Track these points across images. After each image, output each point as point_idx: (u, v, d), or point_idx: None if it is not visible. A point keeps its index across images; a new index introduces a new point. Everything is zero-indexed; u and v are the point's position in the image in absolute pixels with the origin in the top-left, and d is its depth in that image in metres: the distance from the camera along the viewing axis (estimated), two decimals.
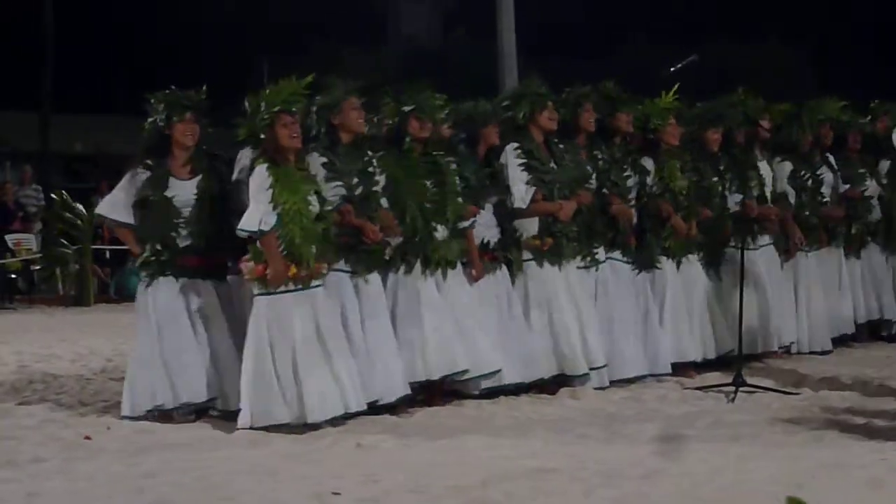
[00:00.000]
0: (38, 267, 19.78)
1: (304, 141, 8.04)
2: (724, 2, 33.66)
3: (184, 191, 8.17)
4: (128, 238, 8.35)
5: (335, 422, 7.74)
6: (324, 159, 8.11)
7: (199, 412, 8.17)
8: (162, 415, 8.08)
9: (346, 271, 8.15)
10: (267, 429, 7.56)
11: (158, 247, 8.11)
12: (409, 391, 8.24)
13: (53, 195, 19.76)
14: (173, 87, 8.32)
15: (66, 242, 19.19)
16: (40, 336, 13.75)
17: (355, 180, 8.16)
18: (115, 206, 8.27)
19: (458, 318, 8.54)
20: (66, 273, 19.58)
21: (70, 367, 11.10)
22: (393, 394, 8.17)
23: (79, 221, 18.75)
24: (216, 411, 8.21)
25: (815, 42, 33.46)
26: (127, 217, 8.22)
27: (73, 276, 19.42)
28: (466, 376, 8.56)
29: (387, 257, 8.30)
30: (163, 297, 8.13)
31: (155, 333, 8.11)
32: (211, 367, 8.12)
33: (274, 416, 7.61)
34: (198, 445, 7.32)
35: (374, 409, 8.09)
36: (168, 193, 8.13)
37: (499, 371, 8.67)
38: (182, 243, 8.14)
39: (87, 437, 7.60)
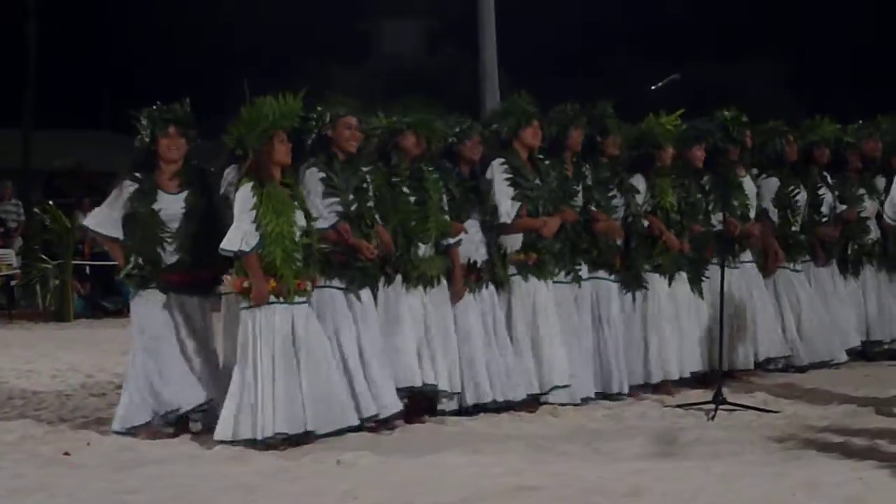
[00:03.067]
0: (17, 282, 19.72)
1: (300, 154, 8.08)
2: (705, 22, 33.79)
3: (172, 204, 8.18)
4: (115, 252, 8.36)
5: (312, 436, 7.78)
6: (322, 174, 8.14)
7: (177, 427, 8.16)
8: (142, 427, 8.08)
9: (340, 288, 8.16)
10: (245, 444, 7.55)
11: (141, 260, 8.11)
12: (401, 406, 8.25)
13: (36, 209, 19.74)
14: (158, 102, 8.34)
15: (45, 258, 19.17)
16: (20, 351, 13.71)
17: (351, 197, 8.18)
18: (103, 219, 8.25)
19: (431, 335, 8.57)
20: (47, 288, 19.53)
21: (50, 382, 11.07)
22: (387, 409, 8.18)
23: (61, 235, 18.72)
24: (197, 424, 8.22)
25: (794, 62, 33.62)
26: (114, 231, 8.21)
27: (53, 292, 19.36)
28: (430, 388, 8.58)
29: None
30: (148, 310, 8.13)
31: (142, 347, 8.11)
32: (194, 381, 8.10)
33: (238, 431, 7.60)
34: (178, 462, 7.31)
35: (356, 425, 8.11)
36: (155, 206, 8.15)
37: (458, 394, 8.70)
38: (169, 258, 8.15)
39: (67, 454, 7.59)
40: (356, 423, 7.91)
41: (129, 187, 8.19)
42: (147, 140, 8.21)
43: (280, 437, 7.59)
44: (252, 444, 7.56)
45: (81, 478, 6.86)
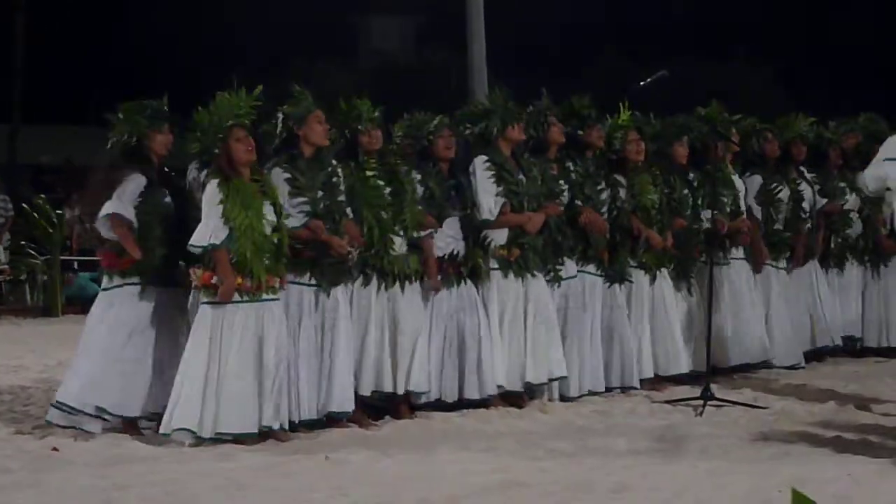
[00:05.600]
0: (5, 277, 19.68)
1: (265, 153, 8.06)
2: (693, 21, 33.84)
3: (169, 199, 8.19)
4: (130, 241, 8.10)
5: (304, 433, 7.79)
6: (287, 175, 8.13)
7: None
8: (127, 424, 8.08)
9: (311, 285, 8.17)
10: (234, 441, 7.57)
11: (156, 255, 8.09)
12: (352, 408, 8.23)
13: (24, 205, 19.71)
14: (141, 98, 8.33)
15: (34, 253, 19.15)
16: (8, 347, 13.66)
17: (319, 194, 8.18)
18: (123, 207, 8.15)
19: (405, 335, 8.59)
20: (35, 284, 19.51)
21: (38, 378, 11.05)
22: (342, 407, 8.17)
23: (50, 230, 18.71)
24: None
25: (781, 62, 33.69)
26: (134, 220, 8.18)
27: (41, 287, 19.35)
28: (400, 391, 8.60)
29: (350, 264, 8.32)
30: (135, 305, 8.12)
31: (124, 340, 8.09)
32: (165, 382, 8.08)
33: (184, 423, 7.59)
34: (167, 458, 7.30)
35: (339, 421, 8.15)
36: (167, 200, 8.16)
37: (426, 392, 8.73)
38: (167, 252, 8.15)
39: (55, 449, 7.58)
40: (285, 426, 7.84)
41: (140, 179, 8.17)
42: (141, 134, 8.18)
43: (227, 436, 7.58)
44: (201, 441, 7.57)
45: (69, 474, 6.86)
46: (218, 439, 7.56)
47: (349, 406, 8.20)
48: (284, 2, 32.39)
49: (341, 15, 35.58)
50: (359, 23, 38.09)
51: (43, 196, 19.92)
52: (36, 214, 19.15)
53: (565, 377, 9.25)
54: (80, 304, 19.71)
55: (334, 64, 32.85)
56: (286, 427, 7.83)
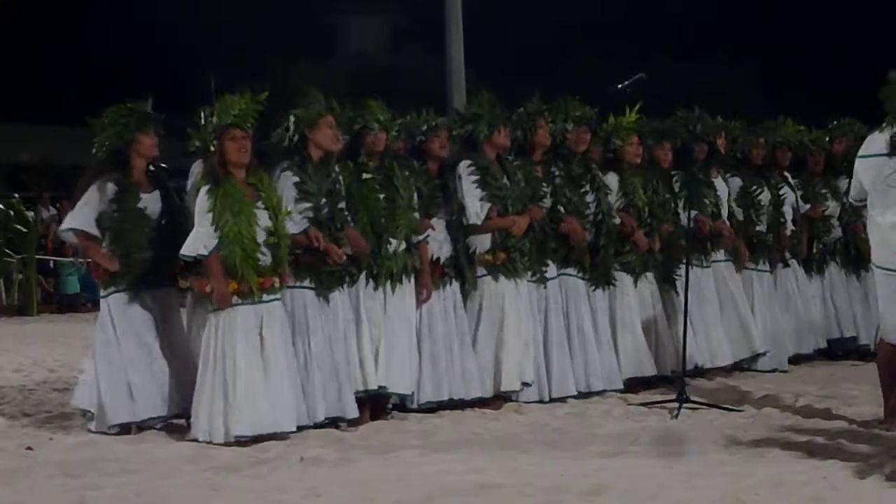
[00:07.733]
0: None
1: (276, 154, 8.04)
2: (670, 22, 33.94)
3: (152, 203, 8.16)
4: (96, 251, 8.17)
5: (278, 435, 7.77)
6: (296, 179, 8.11)
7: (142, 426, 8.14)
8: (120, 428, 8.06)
9: (311, 288, 8.16)
10: (210, 442, 7.55)
11: (130, 260, 8.06)
12: (357, 413, 8.25)
13: (1, 205, 19.67)
14: (125, 100, 8.30)
15: (9, 252, 19.09)
16: None
17: (323, 201, 8.16)
18: (85, 218, 8.14)
19: (393, 334, 8.57)
20: (10, 283, 19.46)
21: (12, 377, 11.03)
22: (345, 413, 8.18)
23: (25, 229, 18.66)
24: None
25: (757, 64, 33.83)
26: (95, 230, 8.14)
27: (16, 286, 19.30)
28: (385, 391, 8.59)
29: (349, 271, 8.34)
30: (129, 310, 8.09)
31: (122, 346, 8.06)
32: (170, 386, 8.09)
33: (210, 433, 7.63)
34: (140, 459, 7.28)
35: (318, 423, 8.12)
36: (141, 205, 8.12)
37: (409, 394, 8.73)
38: (150, 255, 8.11)
39: (29, 449, 7.56)
40: (293, 428, 7.81)
41: (110, 187, 8.13)
42: (128, 137, 8.14)
43: (244, 438, 7.58)
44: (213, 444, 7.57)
45: (43, 473, 6.83)
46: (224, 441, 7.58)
47: (353, 412, 8.22)
48: (262, 1, 32.36)
49: (320, 14, 35.58)
50: (337, 22, 38.08)
51: (16, 196, 19.86)
52: (11, 213, 19.12)
53: (529, 384, 9.24)
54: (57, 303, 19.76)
55: (312, 63, 32.84)
56: (281, 430, 7.76)
